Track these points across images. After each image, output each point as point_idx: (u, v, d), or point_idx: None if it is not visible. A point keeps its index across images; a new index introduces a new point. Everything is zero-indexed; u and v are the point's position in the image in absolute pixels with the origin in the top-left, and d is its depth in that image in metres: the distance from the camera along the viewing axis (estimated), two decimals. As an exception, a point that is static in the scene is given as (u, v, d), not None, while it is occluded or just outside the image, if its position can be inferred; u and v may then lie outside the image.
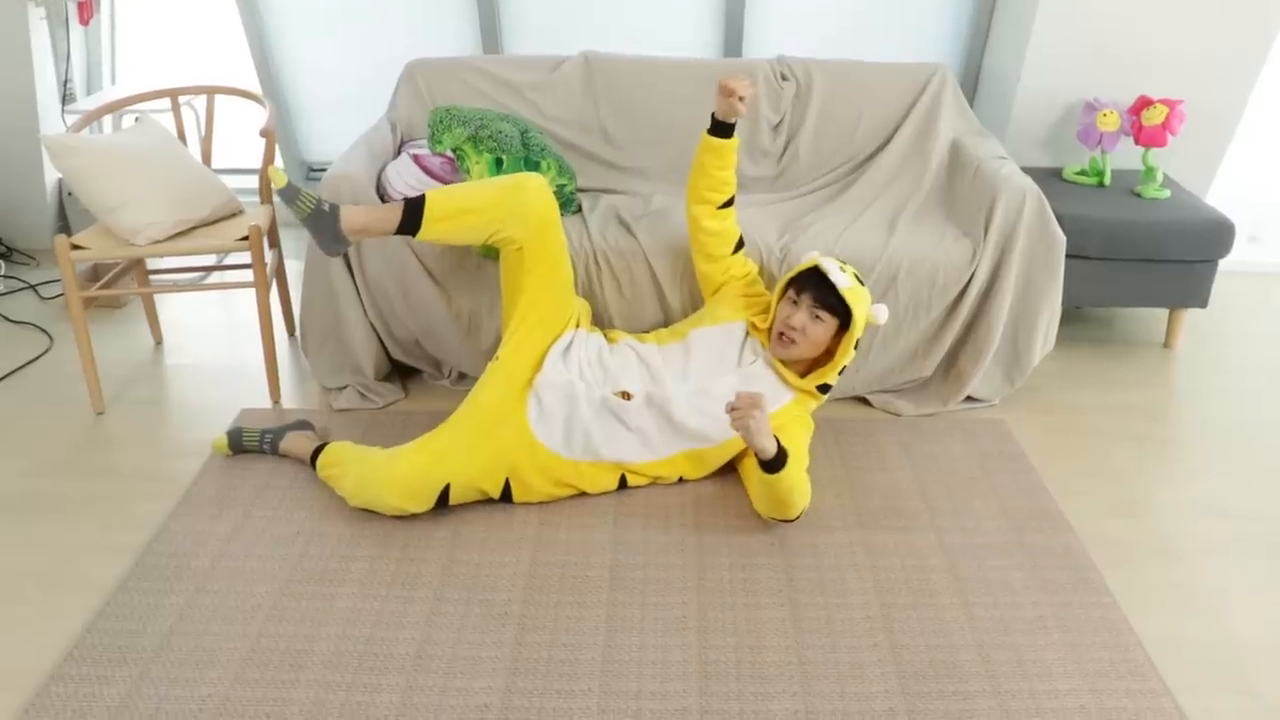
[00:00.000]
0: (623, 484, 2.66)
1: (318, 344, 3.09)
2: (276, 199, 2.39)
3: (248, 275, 3.92)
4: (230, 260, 4.17)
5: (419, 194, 2.57)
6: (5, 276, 4.02)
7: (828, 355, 2.69)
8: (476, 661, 2.11)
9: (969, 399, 3.15)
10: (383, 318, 3.06)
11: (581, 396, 2.57)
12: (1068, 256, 3.30)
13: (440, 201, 2.52)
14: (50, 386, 3.21)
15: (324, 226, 2.49)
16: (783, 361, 2.66)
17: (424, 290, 2.98)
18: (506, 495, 2.59)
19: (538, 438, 2.56)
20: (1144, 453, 2.95)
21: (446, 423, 2.60)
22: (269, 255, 3.08)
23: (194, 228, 3.06)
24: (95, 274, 3.76)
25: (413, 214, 2.51)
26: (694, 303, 3.01)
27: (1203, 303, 3.45)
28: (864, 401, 3.17)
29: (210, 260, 4.18)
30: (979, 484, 2.75)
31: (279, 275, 3.47)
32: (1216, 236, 3.33)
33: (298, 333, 3.36)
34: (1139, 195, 3.54)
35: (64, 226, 4.32)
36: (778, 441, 2.38)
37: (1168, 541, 2.56)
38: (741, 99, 2.63)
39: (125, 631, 2.18)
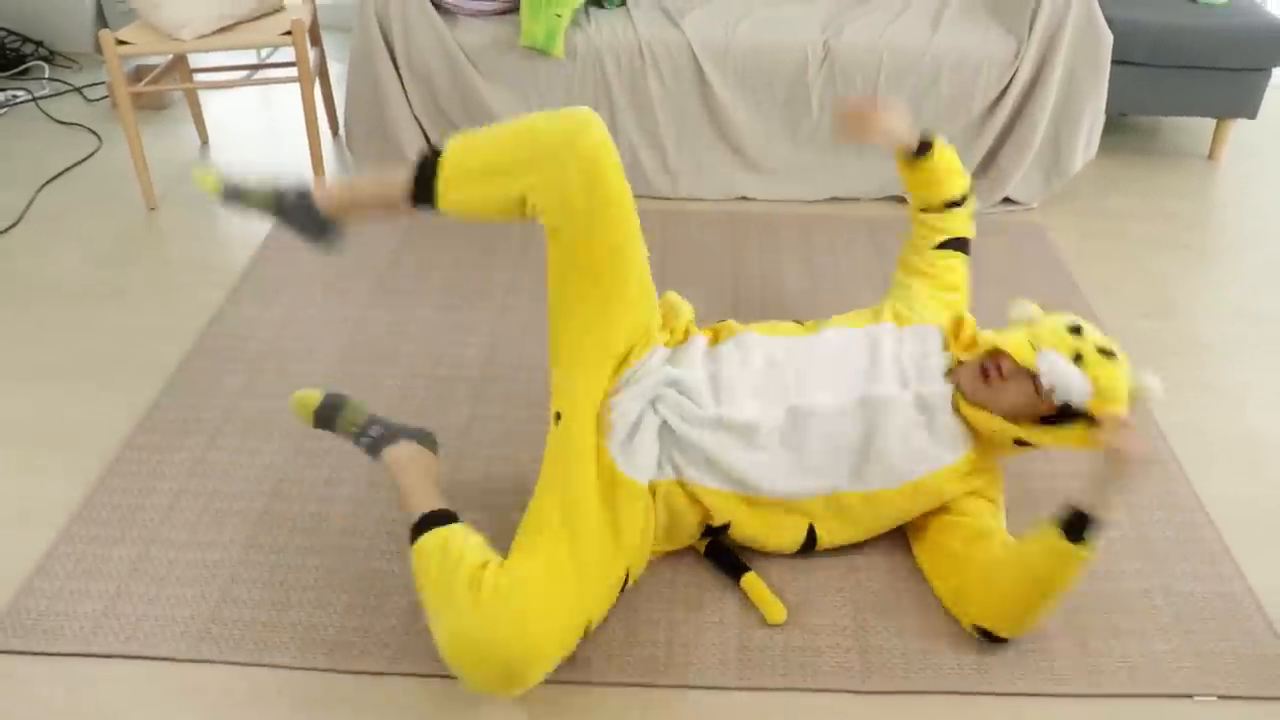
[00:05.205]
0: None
1: (363, 141, 3.12)
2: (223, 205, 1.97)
3: (291, 73, 3.92)
4: (273, 60, 4.17)
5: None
6: (50, 79, 4.05)
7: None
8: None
9: (1007, 200, 3.16)
10: (429, 112, 3.08)
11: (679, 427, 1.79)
12: (1115, 62, 3.24)
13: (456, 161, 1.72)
14: (102, 184, 3.28)
15: (296, 218, 1.87)
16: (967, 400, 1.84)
17: (471, 84, 2.99)
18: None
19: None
20: (1180, 259, 2.97)
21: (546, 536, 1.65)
22: (311, 52, 3.08)
23: (235, 24, 3.07)
24: (138, 76, 3.78)
25: (424, 181, 1.74)
26: (741, 100, 3.00)
27: (1252, 114, 3.40)
28: (901, 200, 3.19)
29: (252, 59, 4.18)
30: (1012, 283, 2.79)
31: (322, 73, 3.48)
32: (1270, 43, 3.25)
33: (342, 130, 3.39)
34: (1195, 0, 3.44)
35: (103, 28, 4.32)
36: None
37: (1197, 341, 2.61)
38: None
39: (190, 405, 2.30)
